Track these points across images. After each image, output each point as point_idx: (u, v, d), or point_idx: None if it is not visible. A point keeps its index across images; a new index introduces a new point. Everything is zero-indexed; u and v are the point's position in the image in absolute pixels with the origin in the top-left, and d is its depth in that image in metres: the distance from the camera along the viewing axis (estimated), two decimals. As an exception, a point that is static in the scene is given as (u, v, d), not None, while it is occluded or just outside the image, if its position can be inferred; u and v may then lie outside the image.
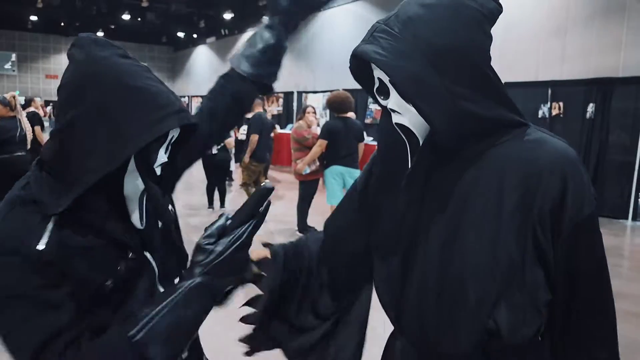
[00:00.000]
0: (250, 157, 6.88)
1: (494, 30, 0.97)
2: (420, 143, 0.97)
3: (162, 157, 1.00)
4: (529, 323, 0.94)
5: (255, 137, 6.82)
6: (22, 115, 5.77)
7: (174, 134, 1.02)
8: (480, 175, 0.95)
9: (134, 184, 0.96)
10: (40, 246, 0.88)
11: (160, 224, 1.10)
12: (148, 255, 1.04)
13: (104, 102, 0.89)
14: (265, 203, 1.01)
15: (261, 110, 7.31)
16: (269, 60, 1.34)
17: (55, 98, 0.99)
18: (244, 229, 0.97)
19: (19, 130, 5.57)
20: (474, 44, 0.92)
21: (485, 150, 0.96)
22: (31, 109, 9.25)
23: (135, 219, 0.98)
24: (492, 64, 0.97)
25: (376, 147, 1.13)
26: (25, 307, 0.87)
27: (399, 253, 1.04)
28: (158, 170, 1.01)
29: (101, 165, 0.88)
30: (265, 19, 1.38)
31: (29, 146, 5.72)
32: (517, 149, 0.94)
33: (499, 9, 0.97)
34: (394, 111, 0.97)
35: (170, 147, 1.03)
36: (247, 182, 7.08)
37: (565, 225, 0.91)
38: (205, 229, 0.98)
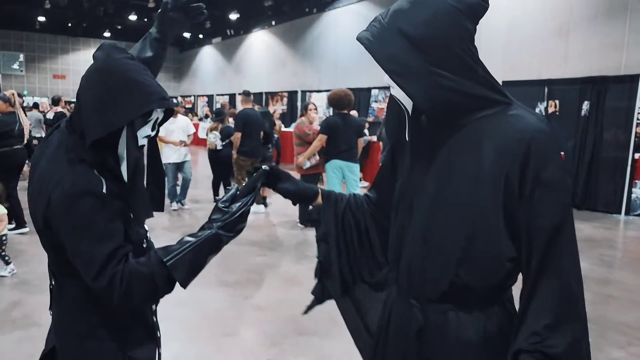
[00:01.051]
0: (237, 152, 7.20)
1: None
2: (409, 113, 1.18)
3: (148, 131, 1.36)
4: (493, 275, 1.12)
5: (237, 135, 7.13)
6: (21, 111, 6.13)
7: (159, 115, 1.36)
8: (465, 142, 1.12)
9: (123, 147, 1.33)
10: (104, 190, 1.26)
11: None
12: None
13: (112, 86, 1.26)
14: (260, 181, 1.42)
15: (249, 106, 7.52)
16: (156, 65, 1.69)
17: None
18: (247, 198, 1.37)
19: (17, 124, 5.93)
20: (450, 35, 1.09)
21: (470, 122, 1.12)
22: (58, 108, 9.60)
23: (123, 171, 1.35)
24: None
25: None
26: (99, 230, 1.23)
27: (402, 209, 1.25)
28: (144, 141, 1.38)
29: (99, 130, 1.24)
30: (154, 31, 1.69)
31: (25, 140, 6.07)
32: (498, 122, 1.10)
33: (482, 5, 1.11)
34: (389, 85, 1.19)
35: (157, 127, 1.39)
36: (237, 176, 7.37)
37: (527, 185, 1.05)
38: (222, 196, 1.39)
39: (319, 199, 1.52)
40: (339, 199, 1.52)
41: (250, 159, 7.22)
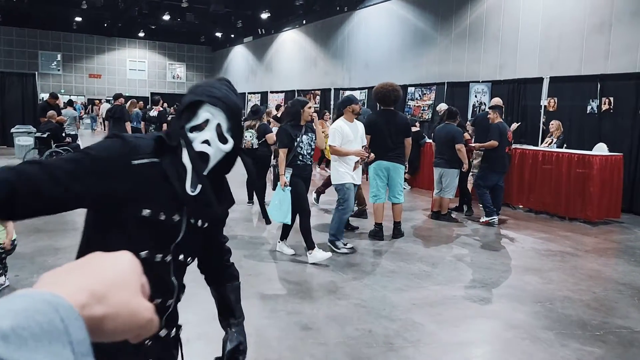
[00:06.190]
0: None
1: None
2: None
3: (205, 136, 1.39)
4: None
5: None
6: None
7: (219, 121, 1.40)
8: None
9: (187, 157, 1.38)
10: (135, 162, 1.33)
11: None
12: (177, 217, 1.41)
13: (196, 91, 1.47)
14: None
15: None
16: None
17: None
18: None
19: None
20: None
21: None
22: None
23: (188, 185, 1.39)
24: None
25: None
26: (66, 165, 1.25)
27: None
28: (203, 147, 1.39)
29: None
30: None
31: None
32: None
33: None
34: None
35: (225, 137, 1.43)
36: None
37: None
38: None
39: None
40: None
41: None
